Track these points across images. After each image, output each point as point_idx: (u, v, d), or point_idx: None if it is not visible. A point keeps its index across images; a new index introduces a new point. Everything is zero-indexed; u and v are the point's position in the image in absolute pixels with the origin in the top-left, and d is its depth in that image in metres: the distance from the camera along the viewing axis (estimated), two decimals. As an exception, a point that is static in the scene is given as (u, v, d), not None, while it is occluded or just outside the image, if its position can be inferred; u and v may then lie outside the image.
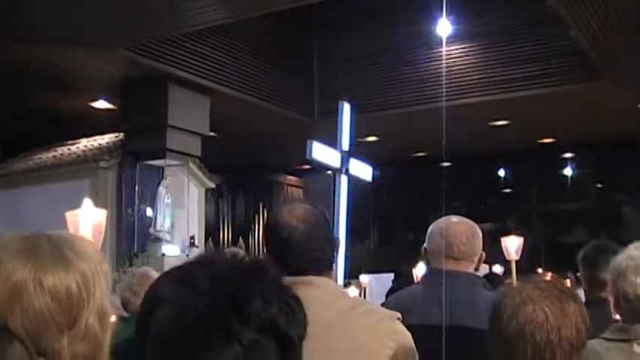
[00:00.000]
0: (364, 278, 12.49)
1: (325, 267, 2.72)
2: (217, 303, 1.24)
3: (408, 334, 2.68)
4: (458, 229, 3.47)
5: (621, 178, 19.90)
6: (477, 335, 3.10)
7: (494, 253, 12.51)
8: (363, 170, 7.56)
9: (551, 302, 2.30)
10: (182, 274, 1.33)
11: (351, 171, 7.14)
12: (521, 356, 2.26)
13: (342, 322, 2.54)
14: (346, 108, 7.61)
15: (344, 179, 7.14)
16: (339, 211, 7.03)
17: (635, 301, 2.90)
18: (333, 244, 2.77)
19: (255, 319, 1.23)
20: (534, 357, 2.25)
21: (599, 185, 20.56)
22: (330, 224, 2.90)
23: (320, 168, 7.28)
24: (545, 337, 2.24)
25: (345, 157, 6.95)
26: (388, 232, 23.68)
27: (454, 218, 3.53)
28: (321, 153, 6.95)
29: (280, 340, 1.25)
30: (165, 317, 1.26)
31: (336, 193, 7.11)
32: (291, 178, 22.35)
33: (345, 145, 7.07)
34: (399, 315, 2.73)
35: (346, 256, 5.15)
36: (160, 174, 13.41)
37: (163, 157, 13.18)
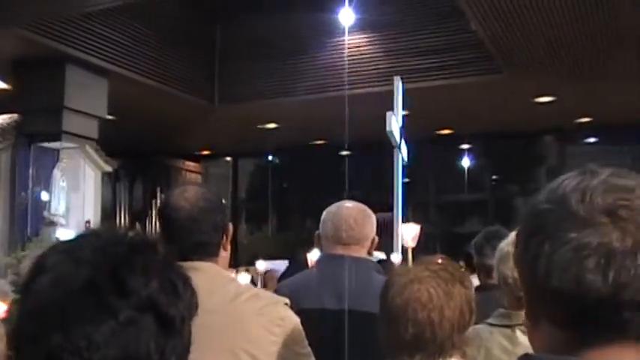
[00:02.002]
0: (260, 265, 12.44)
1: (212, 252, 2.69)
2: (96, 275, 1.20)
3: (296, 320, 2.67)
4: (348, 213, 3.47)
5: (516, 170, 20.36)
6: (369, 319, 3.12)
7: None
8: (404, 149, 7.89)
9: (437, 283, 2.33)
10: (68, 245, 1.30)
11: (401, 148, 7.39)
12: (403, 333, 2.28)
13: (226, 308, 2.52)
14: (398, 84, 7.76)
15: (399, 155, 7.37)
16: (398, 186, 7.13)
17: (513, 286, 2.96)
18: (223, 230, 2.74)
19: (134, 296, 1.20)
20: (415, 335, 2.27)
21: (494, 177, 20.98)
22: (224, 209, 2.87)
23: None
24: (427, 316, 2.27)
25: (401, 134, 7.20)
26: (286, 218, 23.72)
27: (347, 203, 3.54)
28: (395, 128, 7.08)
29: (160, 320, 1.22)
30: (44, 287, 1.22)
31: (395, 170, 7.29)
32: (190, 164, 22.17)
33: (400, 121, 7.31)
34: (286, 301, 2.73)
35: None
36: (55, 157, 13.12)
37: (59, 139, 12.90)
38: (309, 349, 2.69)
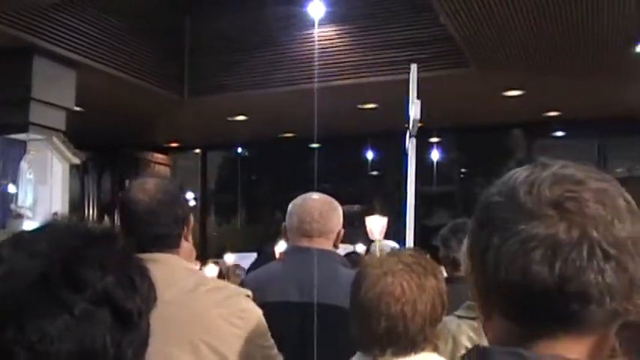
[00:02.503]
0: (229, 258, 12.43)
1: (172, 244, 2.67)
2: (50, 269, 1.18)
3: (258, 312, 2.66)
4: (313, 205, 3.47)
5: (484, 163, 20.47)
6: (334, 312, 3.13)
7: (361, 234, 12.68)
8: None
9: (410, 277, 2.32)
10: (23, 237, 1.28)
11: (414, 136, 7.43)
12: (376, 327, 2.27)
13: (186, 300, 2.51)
14: (414, 70, 7.83)
15: (413, 143, 7.40)
16: (412, 176, 7.15)
17: None
18: (183, 221, 2.73)
19: (90, 289, 1.18)
20: (388, 329, 2.27)
21: (463, 170, 21.08)
22: (185, 200, 2.85)
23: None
24: (400, 310, 2.26)
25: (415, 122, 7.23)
26: (256, 211, 23.69)
27: (314, 195, 3.54)
28: (416, 116, 7.12)
29: (117, 313, 1.21)
30: None
31: (409, 158, 7.33)
32: (159, 156, 22.07)
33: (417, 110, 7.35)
34: (248, 292, 2.72)
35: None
36: (22, 149, 13.00)
37: (26, 131, 12.78)
38: (272, 341, 2.68)
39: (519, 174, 1.15)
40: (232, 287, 2.85)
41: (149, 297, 1.27)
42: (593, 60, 13.35)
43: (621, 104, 16.63)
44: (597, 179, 1.12)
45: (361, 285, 2.35)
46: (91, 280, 1.19)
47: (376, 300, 2.28)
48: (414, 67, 7.60)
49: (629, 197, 1.12)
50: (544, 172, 1.12)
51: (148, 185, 2.67)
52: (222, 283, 2.88)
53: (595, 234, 1.05)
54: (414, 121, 6.54)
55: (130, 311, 1.22)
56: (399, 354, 2.27)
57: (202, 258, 12.46)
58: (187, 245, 2.77)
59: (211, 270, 10.18)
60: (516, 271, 1.07)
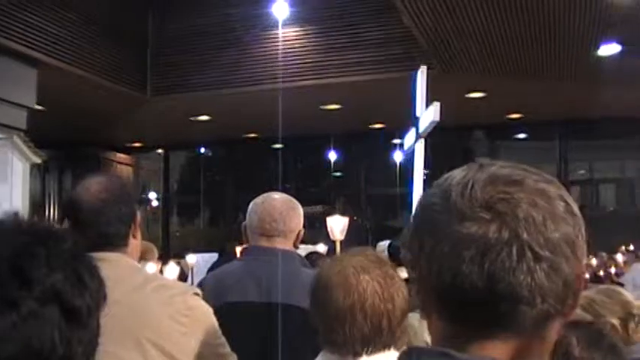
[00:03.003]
0: (191, 258, 12.39)
1: (119, 243, 2.65)
2: None
3: (206, 309, 2.64)
4: (273, 205, 3.46)
5: (447, 164, 20.53)
6: (295, 312, 3.12)
7: (323, 235, 12.70)
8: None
9: (383, 272, 2.31)
10: None
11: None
12: (360, 326, 2.25)
13: (132, 298, 2.48)
14: (422, 72, 7.99)
15: (421, 144, 7.57)
16: (419, 177, 7.25)
17: None
18: (130, 219, 2.71)
19: (37, 287, 1.16)
20: (373, 327, 2.25)
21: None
22: (131, 198, 2.83)
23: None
24: (383, 307, 2.25)
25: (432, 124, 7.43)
26: (218, 212, 23.64)
27: (274, 195, 3.52)
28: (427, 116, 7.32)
29: (66, 311, 1.19)
30: None
31: (416, 159, 7.51)
32: (121, 156, 21.95)
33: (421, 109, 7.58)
34: (196, 290, 2.70)
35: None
36: (-18, 147, 12.88)
37: (-14, 129, 12.66)
38: (223, 339, 2.66)
39: (455, 175, 1.15)
40: (180, 285, 2.84)
41: (99, 295, 1.25)
42: (556, 63, 13.46)
43: (583, 107, 16.81)
44: (535, 180, 1.11)
45: (333, 287, 2.31)
46: (38, 277, 1.17)
47: (360, 300, 2.26)
48: (423, 68, 7.76)
49: (569, 199, 1.12)
50: (479, 173, 1.11)
51: (91, 185, 2.66)
52: (170, 281, 2.86)
53: (525, 235, 1.04)
54: (430, 122, 6.62)
55: (79, 309, 1.20)
56: (379, 350, 2.26)
57: (164, 258, 12.39)
58: (136, 243, 2.75)
59: (172, 270, 10.12)
60: (447, 272, 1.07)
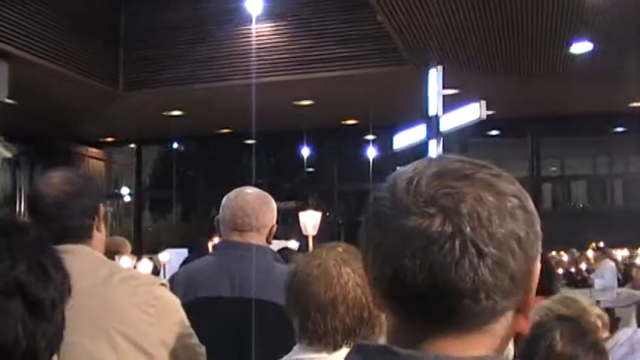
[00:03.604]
0: (164, 256, 12.34)
1: (83, 235, 2.64)
2: None
3: (173, 299, 2.64)
4: (246, 200, 3.44)
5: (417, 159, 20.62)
6: (268, 307, 3.11)
7: (296, 230, 12.71)
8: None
9: (359, 265, 2.31)
10: None
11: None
12: (342, 318, 2.24)
13: (98, 290, 2.47)
14: (433, 74, 8.23)
15: (433, 144, 7.73)
16: None
17: None
18: (94, 211, 2.70)
19: (0, 279, 1.16)
20: (355, 318, 2.25)
21: (398, 167, 21.19)
22: (94, 190, 2.81)
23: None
24: (365, 299, 2.25)
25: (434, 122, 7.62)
26: (191, 207, 23.60)
27: (248, 190, 3.51)
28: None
29: (29, 304, 1.17)
30: None
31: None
32: (93, 150, 21.86)
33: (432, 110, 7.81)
34: (162, 281, 2.69)
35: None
36: (-48, 142, 12.78)
37: (-44, 123, 12.56)
38: (191, 330, 2.65)
39: (405, 169, 1.14)
40: (146, 276, 2.84)
41: (63, 287, 1.24)
42: (528, 60, 13.54)
43: (555, 104, 16.90)
44: (487, 175, 1.09)
45: (314, 281, 2.30)
46: (1, 269, 1.15)
47: (343, 293, 2.26)
48: (439, 68, 8.00)
49: (521, 194, 1.10)
50: (427, 168, 1.10)
51: (53, 179, 2.64)
52: (137, 272, 2.85)
53: (469, 230, 1.03)
54: (472, 120, 6.72)
55: (42, 301, 1.19)
56: (358, 338, 2.26)
57: (137, 253, 12.34)
58: (100, 235, 2.74)
59: (146, 266, 10.08)
60: (390, 265, 1.06)
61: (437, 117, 9.03)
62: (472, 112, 8.84)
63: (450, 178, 1.07)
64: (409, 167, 1.14)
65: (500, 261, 1.05)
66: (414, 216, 1.05)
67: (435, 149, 8.28)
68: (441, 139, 8.79)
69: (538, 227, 1.11)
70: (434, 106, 8.96)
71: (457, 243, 1.03)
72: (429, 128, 9.09)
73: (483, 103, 7.73)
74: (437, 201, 1.05)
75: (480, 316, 1.07)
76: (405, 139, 10.70)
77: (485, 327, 1.08)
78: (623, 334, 2.82)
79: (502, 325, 1.10)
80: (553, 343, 2.49)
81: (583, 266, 16.99)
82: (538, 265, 1.11)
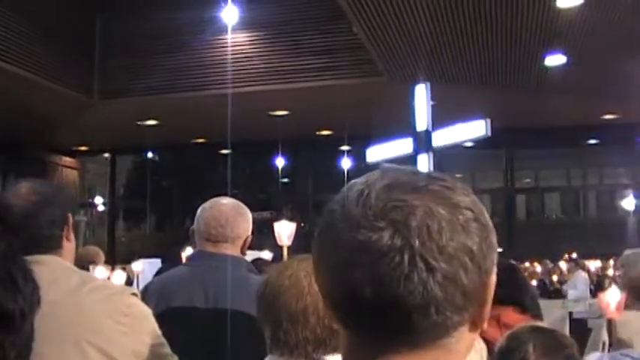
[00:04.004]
0: (137, 265, 12.27)
1: (52, 245, 2.62)
2: None
3: (144, 309, 2.62)
4: (221, 210, 3.43)
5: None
6: (240, 318, 3.10)
7: (271, 241, 12.67)
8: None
9: None
10: None
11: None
12: (313, 328, 2.24)
13: (69, 299, 2.45)
14: (421, 89, 8.35)
15: (423, 158, 7.83)
16: None
17: None
18: (63, 221, 2.68)
19: None
20: (325, 329, 2.24)
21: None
22: (63, 200, 2.80)
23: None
24: None
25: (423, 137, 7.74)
26: (165, 217, 23.51)
27: (223, 200, 3.49)
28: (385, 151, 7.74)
29: None
30: None
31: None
32: (67, 159, 21.73)
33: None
34: (134, 291, 2.67)
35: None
36: None
37: None
38: (163, 339, 2.63)
39: (357, 181, 1.13)
40: (117, 285, 2.82)
41: (33, 298, 1.23)
42: (503, 72, 13.60)
43: (530, 116, 16.99)
44: (440, 188, 1.08)
45: (287, 289, 2.30)
46: None
47: (312, 302, 2.25)
48: (426, 84, 8.12)
49: (475, 207, 1.08)
50: (378, 180, 1.09)
51: (21, 189, 2.62)
52: (107, 281, 2.84)
53: (418, 244, 1.01)
54: (476, 137, 6.79)
55: (11, 312, 1.17)
56: (329, 352, 2.25)
57: (111, 263, 12.27)
58: (70, 245, 2.72)
59: (119, 276, 10.01)
60: (341, 279, 1.05)
61: (428, 131, 9.10)
62: (476, 128, 9.02)
63: (400, 191, 1.05)
64: (361, 179, 1.12)
65: (451, 275, 1.02)
66: (363, 229, 1.03)
67: (425, 163, 8.34)
68: (432, 153, 8.89)
69: (494, 240, 1.09)
70: (422, 119, 9.03)
71: (406, 257, 1.01)
72: (416, 142, 9.16)
73: (488, 120, 7.87)
74: (386, 214, 1.03)
75: (432, 332, 1.05)
76: (381, 151, 10.73)
77: (439, 342, 1.06)
78: (593, 357, 2.82)
79: (457, 340, 1.07)
80: (526, 356, 2.49)
81: (555, 278, 17.06)
82: (493, 279, 1.09)
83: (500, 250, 1.12)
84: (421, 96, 9.08)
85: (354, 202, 1.07)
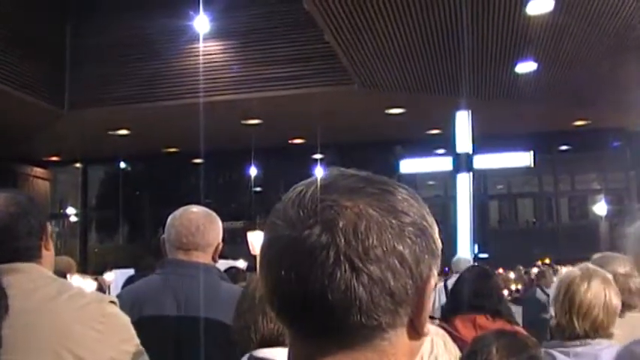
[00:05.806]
0: (109, 276, 12.22)
1: (31, 255, 2.60)
2: None
3: (121, 316, 2.61)
4: (191, 218, 3.42)
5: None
6: (212, 326, 3.08)
7: (244, 250, 12.66)
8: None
9: None
10: None
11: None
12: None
13: (45, 307, 2.44)
14: (462, 116, 9.04)
15: (463, 178, 8.37)
16: (464, 213, 7.95)
17: None
18: (40, 231, 2.66)
19: None
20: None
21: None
22: (39, 210, 2.78)
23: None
24: None
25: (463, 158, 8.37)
26: (137, 227, 23.41)
27: (193, 208, 3.49)
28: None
29: None
30: None
31: (460, 195, 8.47)
32: (38, 170, 21.59)
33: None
34: (112, 299, 2.66)
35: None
36: None
37: None
38: (140, 348, 2.62)
39: (301, 182, 1.14)
40: (95, 294, 2.80)
41: (1, 306, 1.22)
42: (474, 80, 13.66)
43: (500, 122, 17.06)
44: (378, 189, 1.08)
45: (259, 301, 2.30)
46: None
47: None
48: (468, 112, 8.68)
49: (418, 211, 1.08)
50: (317, 181, 1.10)
51: None
52: (85, 291, 2.81)
53: (343, 243, 1.02)
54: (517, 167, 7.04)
55: None
56: None
57: (83, 274, 12.20)
58: (49, 254, 2.71)
59: (90, 286, 9.95)
60: (273, 277, 1.06)
61: (468, 155, 10.04)
62: (520, 159, 9.96)
63: (334, 192, 1.06)
64: (305, 181, 1.13)
65: (377, 277, 1.02)
66: (297, 228, 1.04)
67: (465, 183, 9.26)
68: (472, 174, 9.83)
69: (433, 246, 1.09)
70: (464, 143, 10.01)
71: (331, 255, 1.01)
72: (455, 162, 10.14)
73: (531, 153, 8.57)
74: (317, 213, 1.04)
75: (362, 333, 1.04)
76: (419, 166, 12.17)
77: (370, 344, 1.05)
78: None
79: (391, 343, 1.06)
80: (489, 357, 2.51)
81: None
82: (431, 284, 1.08)
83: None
84: (463, 121, 10.05)
85: (291, 202, 1.09)
